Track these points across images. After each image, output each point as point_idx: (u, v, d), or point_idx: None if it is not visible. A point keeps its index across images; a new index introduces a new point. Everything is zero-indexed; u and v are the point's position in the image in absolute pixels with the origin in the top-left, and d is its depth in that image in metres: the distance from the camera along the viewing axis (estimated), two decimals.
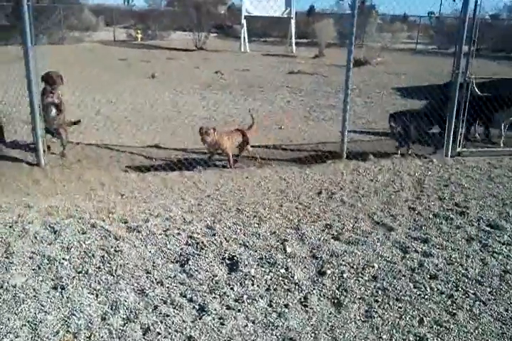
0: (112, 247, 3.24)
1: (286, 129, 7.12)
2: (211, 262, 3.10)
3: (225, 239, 3.40)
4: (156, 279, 2.89)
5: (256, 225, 3.64)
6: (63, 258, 3.09)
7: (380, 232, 3.56)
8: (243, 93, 10.35)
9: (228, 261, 3.12)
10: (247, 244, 3.33)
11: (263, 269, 3.01)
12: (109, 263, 3.05)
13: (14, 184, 4.60)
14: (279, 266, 3.04)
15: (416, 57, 20.88)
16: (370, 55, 16.04)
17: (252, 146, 5.60)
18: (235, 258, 3.14)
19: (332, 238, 3.46)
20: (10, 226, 3.48)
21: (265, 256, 3.17)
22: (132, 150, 5.79)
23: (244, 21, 20.61)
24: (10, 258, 3.06)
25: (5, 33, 19.52)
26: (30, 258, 3.08)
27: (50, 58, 11.18)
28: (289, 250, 3.25)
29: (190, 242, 3.35)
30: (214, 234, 3.46)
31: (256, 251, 3.23)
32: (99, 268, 3.01)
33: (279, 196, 4.30)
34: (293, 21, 21.30)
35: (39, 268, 2.98)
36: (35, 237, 3.34)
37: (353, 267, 3.05)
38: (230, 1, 34.35)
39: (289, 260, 3.13)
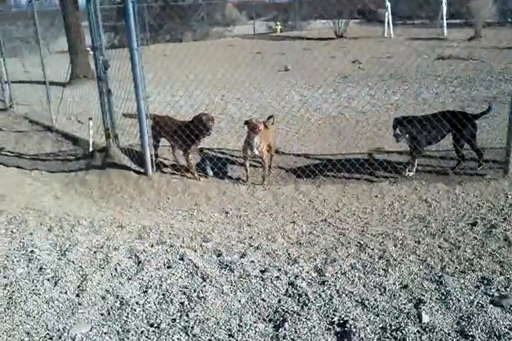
0: (195, 291, 2.62)
1: None
2: (314, 327, 2.30)
3: (337, 291, 2.56)
4: None
5: (382, 272, 2.73)
6: (137, 303, 2.54)
7: None
8: (383, 84, 9.19)
9: (338, 328, 2.29)
10: (367, 302, 2.45)
11: None
12: (187, 315, 2.43)
13: (119, 194, 4.30)
14: None
15: None
16: None
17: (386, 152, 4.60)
18: (348, 324, 2.30)
19: (491, 302, 2.41)
20: (94, 252, 3.07)
21: (390, 326, 2.27)
22: None
23: (388, 3, 18.95)
24: (80, 297, 2.61)
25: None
26: (102, 298, 2.60)
27: (191, 55, 11.21)
28: (425, 319, 2.31)
29: (290, 292, 2.58)
30: (323, 283, 2.65)
31: (378, 316, 2.35)
32: (174, 320, 2.41)
33: (417, 226, 3.31)
34: (444, 0, 19.02)
35: (108, 313, 2.48)
36: (116, 269, 2.87)
37: None
38: None
39: (424, 336, 2.19)
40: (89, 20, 4.99)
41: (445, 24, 19.02)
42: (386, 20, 19.32)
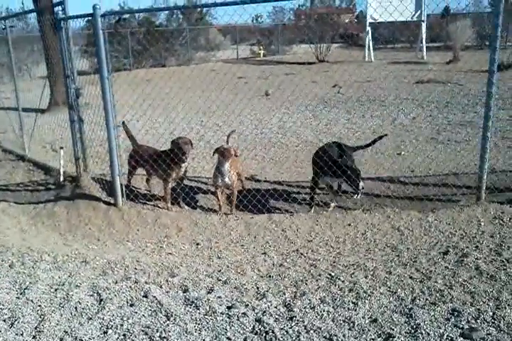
0: (158, 331, 2.51)
1: (407, 155, 5.92)
2: None
3: (305, 327, 2.47)
4: None
5: (351, 305, 2.65)
6: None
7: None
8: (361, 109, 9.27)
9: None
10: (335, 338, 2.37)
11: None
12: None
13: (87, 227, 4.18)
14: None
15: None
16: None
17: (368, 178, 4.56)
18: None
19: (461, 335, 2.34)
20: (55, 290, 2.94)
21: None
22: None
23: (368, 28, 19.34)
24: (37, 339, 2.48)
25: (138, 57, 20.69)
26: (60, 340, 2.47)
27: (173, 80, 11.22)
28: None
29: (257, 329, 2.48)
30: (291, 318, 2.56)
31: None
32: None
33: (389, 255, 3.26)
34: (424, 24, 19.48)
35: None
36: (76, 308, 2.74)
37: None
38: (356, 10, 33.21)
39: None
40: (60, 47, 4.96)
41: (424, 48, 19.44)
42: (367, 44, 19.69)
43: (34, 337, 2.49)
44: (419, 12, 19.46)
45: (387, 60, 19.12)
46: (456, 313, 2.53)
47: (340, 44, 27.47)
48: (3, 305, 2.74)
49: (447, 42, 20.51)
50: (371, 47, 19.78)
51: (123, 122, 4.92)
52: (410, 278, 2.92)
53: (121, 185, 4.43)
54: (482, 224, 3.63)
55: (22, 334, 2.50)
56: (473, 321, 2.45)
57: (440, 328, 2.40)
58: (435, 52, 19.69)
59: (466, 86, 11.22)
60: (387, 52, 22.97)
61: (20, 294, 2.86)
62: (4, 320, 2.61)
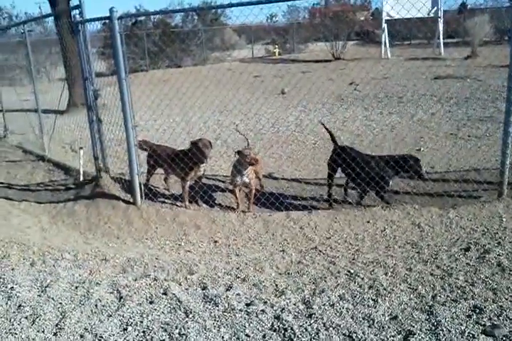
0: (177, 328, 2.52)
1: (427, 152, 5.84)
2: None
3: (324, 324, 2.45)
4: None
5: (371, 302, 2.63)
6: None
7: None
8: (379, 106, 9.18)
9: None
10: (354, 335, 2.34)
11: None
12: None
13: (107, 225, 4.22)
14: None
15: None
16: None
17: None
18: None
19: (483, 332, 2.30)
20: (75, 288, 2.97)
21: None
22: None
23: (385, 25, 19.17)
24: (58, 336, 2.50)
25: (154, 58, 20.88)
26: (80, 337, 2.50)
27: (190, 80, 11.27)
28: None
29: (276, 326, 2.48)
30: (310, 315, 2.54)
31: None
32: None
33: (409, 252, 3.21)
34: (441, 21, 19.23)
35: None
36: (96, 306, 2.77)
37: None
38: (371, 7, 32.88)
39: None
40: (78, 50, 5.02)
41: (442, 43, 19.18)
42: (383, 41, 19.52)
43: (55, 334, 2.51)
44: (435, 8, 19.23)
45: (404, 56, 18.91)
46: (477, 310, 2.48)
47: (356, 41, 27.25)
48: (24, 303, 2.78)
49: (465, 37, 20.22)
50: (388, 44, 19.60)
51: (144, 141, 5.02)
52: (431, 274, 2.88)
53: (139, 184, 4.46)
54: (504, 220, 3.57)
55: (43, 332, 2.53)
56: (495, 318, 2.41)
57: (461, 325, 2.36)
58: (453, 48, 19.41)
59: (486, 81, 11.04)
60: (404, 48, 22.72)
61: (42, 292, 2.90)
62: (26, 317, 2.65)
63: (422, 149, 5.97)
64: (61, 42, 11.12)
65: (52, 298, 2.83)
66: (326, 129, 4.64)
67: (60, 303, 2.79)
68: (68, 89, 10.62)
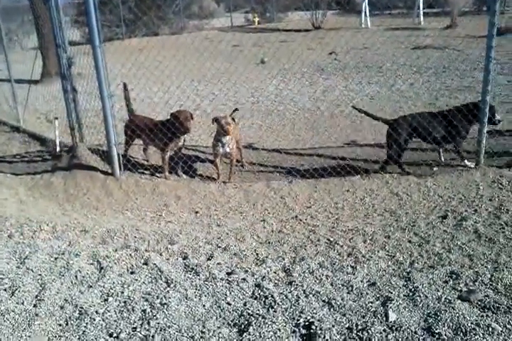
0: (158, 297, 2.53)
1: None
2: (279, 330, 2.23)
3: (304, 291, 2.49)
4: None
5: (350, 270, 2.67)
6: (97, 312, 2.44)
7: None
8: (358, 75, 9.14)
9: (303, 331, 2.22)
10: (333, 302, 2.39)
11: None
12: (149, 324, 2.34)
13: (85, 196, 4.16)
14: None
15: None
16: None
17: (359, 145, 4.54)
18: (313, 326, 2.23)
19: (459, 298, 2.37)
20: (55, 259, 2.95)
21: (356, 326, 2.21)
22: None
23: None
24: (38, 307, 2.49)
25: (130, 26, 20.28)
26: (60, 308, 2.49)
27: (167, 48, 11.00)
28: (392, 317, 2.25)
29: (257, 294, 2.51)
30: (290, 283, 2.58)
31: (344, 316, 2.29)
32: (134, 329, 2.31)
33: (387, 220, 3.26)
34: None
35: (66, 323, 2.37)
36: (76, 277, 2.75)
37: None
38: None
39: (390, 335, 2.14)
40: (50, 16, 4.82)
41: (422, 13, 19.03)
42: (363, 10, 19.26)
43: (35, 305, 2.50)
44: None
45: (384, 26, 18.76)
46: (454, 276, 2.55)
47: (337, 11, 26.85)
48: (3, 275, 2.75)
49: (445, 7, 20.08)
50: (367, 14, 19.36)
51: (124, 83, 4.87)
52: (409, 242, 2.94)
53: (118, 154, 4.39)
54: (481, 188, 3.64)
55: (23, 303, 2.51)
56: (471, 284, 2.48)
57: (438, 291, 2.43)
58: (433, 18, 19.28)
59: (464, 51, 11.05)
60: (384, 18, 22.48)
61: (20, 264, 2.87)
62: (5, 289, 2.62)
63: None
64: (32, 8, 10.71)
65: (32, 270, 2.81)
66: (365, 113, 4.47)
67: (40, 275, 2.77)
68: (42, 59, 10.27)
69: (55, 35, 4.85)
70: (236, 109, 4.84)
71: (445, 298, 2.36)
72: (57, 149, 5.06)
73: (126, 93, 4.88)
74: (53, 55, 10.96)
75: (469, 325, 2.16)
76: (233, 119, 4.28)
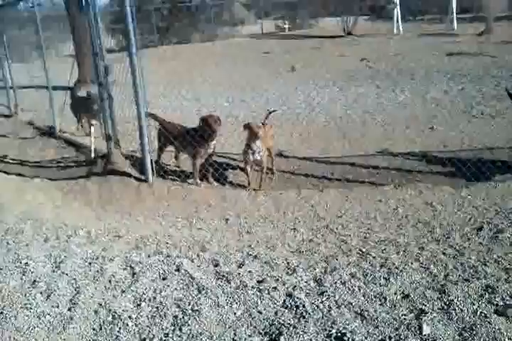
0: (190, 304, 2.55)
1: (440, 130, 5.77)
2: (311, 340, 2.22)
3: (336, 302, 2.47)
4: None
5: (383, 281, 2.64)
6: (129, 317, 2.48)
7: None
8: (391, 83, 9.05)
9: None
10: (366, 313, 2.36)
11: None
12: (180, 330, 2.36)
13: (119, 202, 4.25)
14: None
15: None
16: None
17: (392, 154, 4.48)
18: (346, 337, 2.21)
19: (495, 312, 2.30)
20: (89, 264, 3.01)
21: (389, 338, 2.18)
22: None
23: (397, 0, 18.71)
24: (72, 311, 2.55)
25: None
26: (95, 312, 2.54)
27: (199, 56, 11.15)
28: (426, 330, 2.21)
29: (288, 304, 2.50)
30: (322, 293, 2.56)
31: (377, 328, 2.26)
32: (166, 335, 2.34)
33: (421, 231, 3.21)
34: None
35: (100, 328, 2.42)
36: (110, 281, 2.81)
37: None
38: None
39: None
40: (88, 24, 4.95)
41: (455, 19, 18.71)
42: (395, 16, 19.09)
43: (69, 309, 2.56)
44: None
45: (417, 32, 18.51)
46: (490, 290, 2.48)
47: (369, 16, 26.69)
48: (39, 278, 2.83)
49: (479, 12, 19.70)
50: (399, 19, 19.17)
51: (151, 114, 4.99)
52: (443, 254, 2.88)
53: (151, 161, 4.47)
54: None
55: (58, 307, 2.57)
56: (508, 298, 2.41)
57: (474, 305, 2.37)
58: (467, 24, 18.95)
59: (500, 58, 10.80)
60: (416, 24, 22.21)
61: (56, 267, 2.94)
62: (41, 293, 2.69)
63: (435, 127, 5.89)
64: (70, 17, 11.01)
65: (66, 274, 2.87)
66: None
67: (74, 279, 2.84)
68: (78, 66, 10.54)
69: (92, 43, 4.97)
70: (273, 110, 4.84)
71: (481, 312, 2.30)
72: (93, 155, 5.18)
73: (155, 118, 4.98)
74: (89, 62, 11.26)
75: (506, 340, 2.10)
76: (263, 124, 4.30)
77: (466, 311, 2.32)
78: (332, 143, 5.50)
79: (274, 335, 2.28)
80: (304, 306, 2.45)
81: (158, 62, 10.66)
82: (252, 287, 2.67)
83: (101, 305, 2.59)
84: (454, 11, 18.71)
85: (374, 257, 2.90)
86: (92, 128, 5.29)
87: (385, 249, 2.98)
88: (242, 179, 4.70)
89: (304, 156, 5.19)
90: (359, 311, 2.39)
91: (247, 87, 9.25)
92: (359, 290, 2.57)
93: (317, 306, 2.45)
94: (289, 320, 2.37)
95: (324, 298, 2.51)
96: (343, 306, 2.44)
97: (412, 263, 2.79)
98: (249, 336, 2.28)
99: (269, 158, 4.64)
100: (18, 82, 8.60)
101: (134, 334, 2.35)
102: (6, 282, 2.77)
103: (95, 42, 4.94)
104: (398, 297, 2.49)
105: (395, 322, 2.29)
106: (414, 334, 2.19)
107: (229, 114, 7.28)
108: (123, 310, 2.53)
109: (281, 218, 3.69)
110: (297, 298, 2.53)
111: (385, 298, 2.47)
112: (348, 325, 2.29)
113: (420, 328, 2.22)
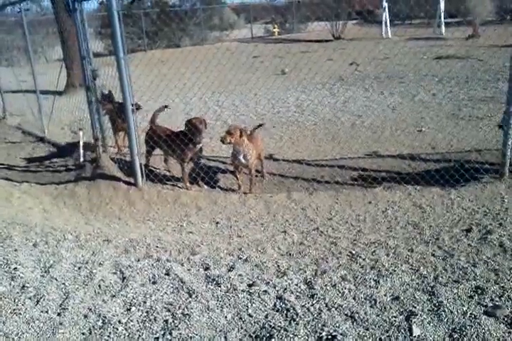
0: (180, 308, 2.54)
1: (428, 132, 5.81)
2: None
3: (326, 304, 2.47)
4: None
5: (373, 283, 2.64)
6: (119, 321, 2.46)
7: None
8: (380, 86, 9.11)
9: None
10: (356, 316, 2.36)
11: None
12: (171, 334, 2.34)
13: (108, 206, 4.22)
14: None
15: None
16: None
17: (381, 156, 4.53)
18: (336, 339, 2.21)
19: (484, 313, 2.32)
20: (78, 268, 2.98)
21: (380, 340, 2.18)
22: None
23: (385, 4, 18.88)
24: (62, 316, 2.52)
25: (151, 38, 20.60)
26: (84, 317, 2.52)
27: (189, 60, 11.14)
28: (416, 331, 2.22)
29: (278, 306, 2.50)
30: (312, 296, 2.56)
31: (367, 330, 2.26)
32: (157, 339, 2.32)
33: (411, 233, 3.22)
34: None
35: (90, 333, 2.40)
36: (99, 286, 2.78)
37: None
38: None
39: None
40: (76, 29, 4.93)
41: (443, 23, 18.91)
42: (383, 20, 19.24)
43: (59, 314, 2.53)
44: None
45: (405, 36, 18.65)
46: (479, 291, 2.50)
47: (357, 21, 26.87)
48: (28, 284, 2.79)
49: (467, 17, 19.92)
50: (388, 24, 19.33)
51: (165, 106, 4.99)
52: (433, 255, 2.89)
53: (140, 164, 4.45)
54: (506, 200, 3.57)
55: (47, 312, 2.55)
56: (497, 299, 2.43)
57: (463, 306, 2.38)
58: (455, 28, 19.11)
59: (487, 61, 10.92)
60: (404, 28, 22.34)
61: (45, 272, 2.91)
62: (30, 298, 2.66)
63: (423, 130, 5.94)
64: (58, 21, 10.97)
65: (56, 279, 2.85)
66: None
67: (64, 284, 2.81)
68: (66, 70, 10.50)
69: (80, 47, 4.96)
70: (261, 124, 4.86)
71: (470, 313, 2.32)
72: (81, 159, 5.15)
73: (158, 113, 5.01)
74: (77, 66, 11.19)
75: (495, 340, 2.11)
76: (252, 133, 4.30)
77: (455, 312, 2.33)
78: (322, 146, 5.51)
79: (264, 338, 2.27)
80: (294, 309, 2.45)
81: (148, 66, 10.62)
82: (243, 290, 2.66)
83: (90, 309, 2.56)
84: (442, 15, 18.91)
85: (364, 259, 2.91)
86: (81, 133, 5.26)
87: (374, 251, 2.99)
88: (232, 182, 4.70)
89: (294, 159, 5.20)
90: (349, 313, 2.39)
91: (237, 90, 9.25)
92: (349, 292, 2.58)
93: (307, 309, 2.45)
94: (280, 322, 2.36)
95: (314, 301, 2.51)
96: (333, 308, 2.44)
97: (401, 265, 2.80)
98: (240, 339, 2.27)
99: (259, 161, 4.64)
100: (6, 86, 8.53)
101: (124, 339, 2.33)
102: None
103: (83, 46, 4.93)
104: (388, 299, 2.49)
105: (385, 324, 2.29)
106: (405, 336, 2.20)
107: (218, 117, 7.28)
108: (113, 315, 2.51)
109: (272, 221, 3.69)
110: (287, 300, 2.53)
111: (375, 300, 2.48)
112: (338, 327, 2.29)
113: (410, 330, 2.23)
